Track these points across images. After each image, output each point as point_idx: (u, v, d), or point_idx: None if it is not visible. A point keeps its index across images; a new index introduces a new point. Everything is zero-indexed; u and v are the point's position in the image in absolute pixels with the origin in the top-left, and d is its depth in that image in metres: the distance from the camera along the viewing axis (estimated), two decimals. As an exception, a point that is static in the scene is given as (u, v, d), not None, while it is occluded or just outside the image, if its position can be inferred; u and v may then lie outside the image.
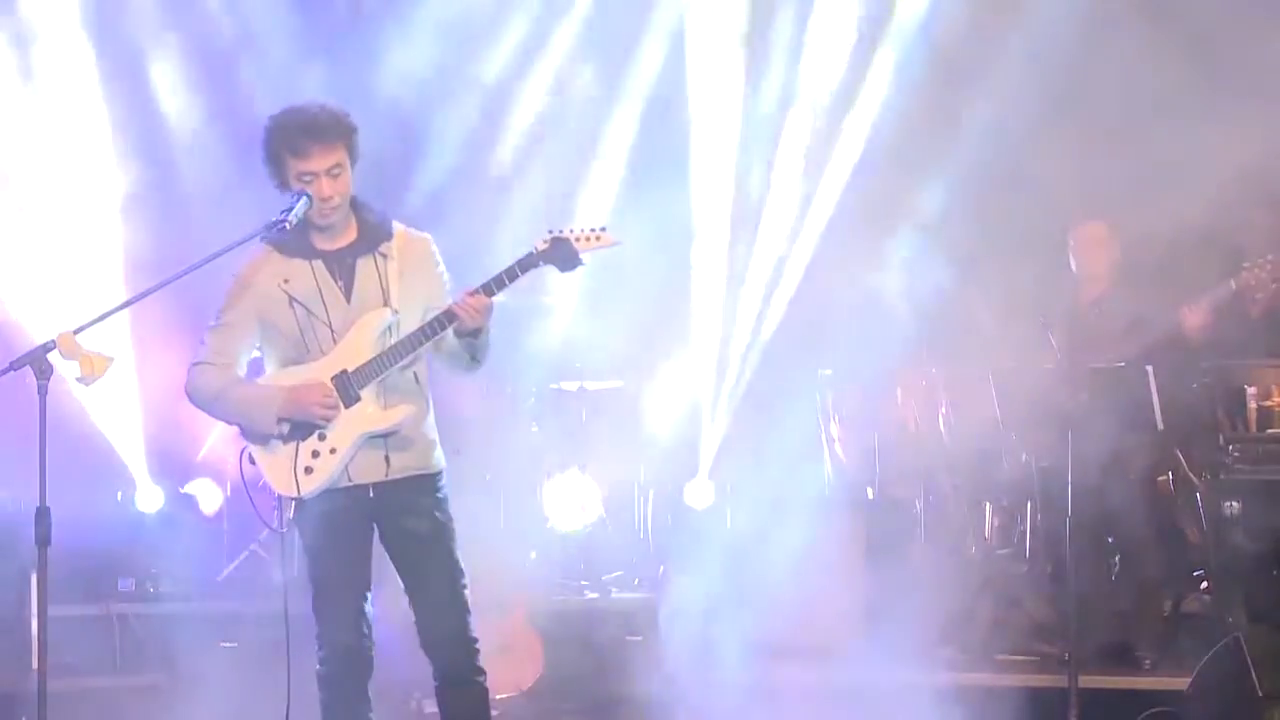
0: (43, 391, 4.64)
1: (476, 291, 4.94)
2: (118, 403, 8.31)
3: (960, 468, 8.01)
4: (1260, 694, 6.05)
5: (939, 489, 8.09)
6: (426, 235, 5.21)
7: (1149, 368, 6.75)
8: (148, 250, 8.15)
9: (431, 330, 4.99)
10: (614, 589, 8.42)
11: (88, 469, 7.94)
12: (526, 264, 4.97)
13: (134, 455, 8.49)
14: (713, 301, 8.73)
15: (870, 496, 8.14)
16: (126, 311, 5.02)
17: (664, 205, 8.48)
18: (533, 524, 8.59)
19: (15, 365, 4.69)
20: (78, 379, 4.73)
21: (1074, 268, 7.73)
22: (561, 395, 8.75)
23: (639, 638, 7.60)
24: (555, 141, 8.85)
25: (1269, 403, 7.71)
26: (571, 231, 4.97)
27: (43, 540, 4.64)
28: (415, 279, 5.09)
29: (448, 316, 4.96)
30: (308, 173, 4.96)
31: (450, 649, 5.13)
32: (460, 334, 4.98)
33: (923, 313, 8.14)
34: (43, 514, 4.64)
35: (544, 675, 7.23)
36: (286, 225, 4.91)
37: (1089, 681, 6.75)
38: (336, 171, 4.98)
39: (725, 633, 7.39)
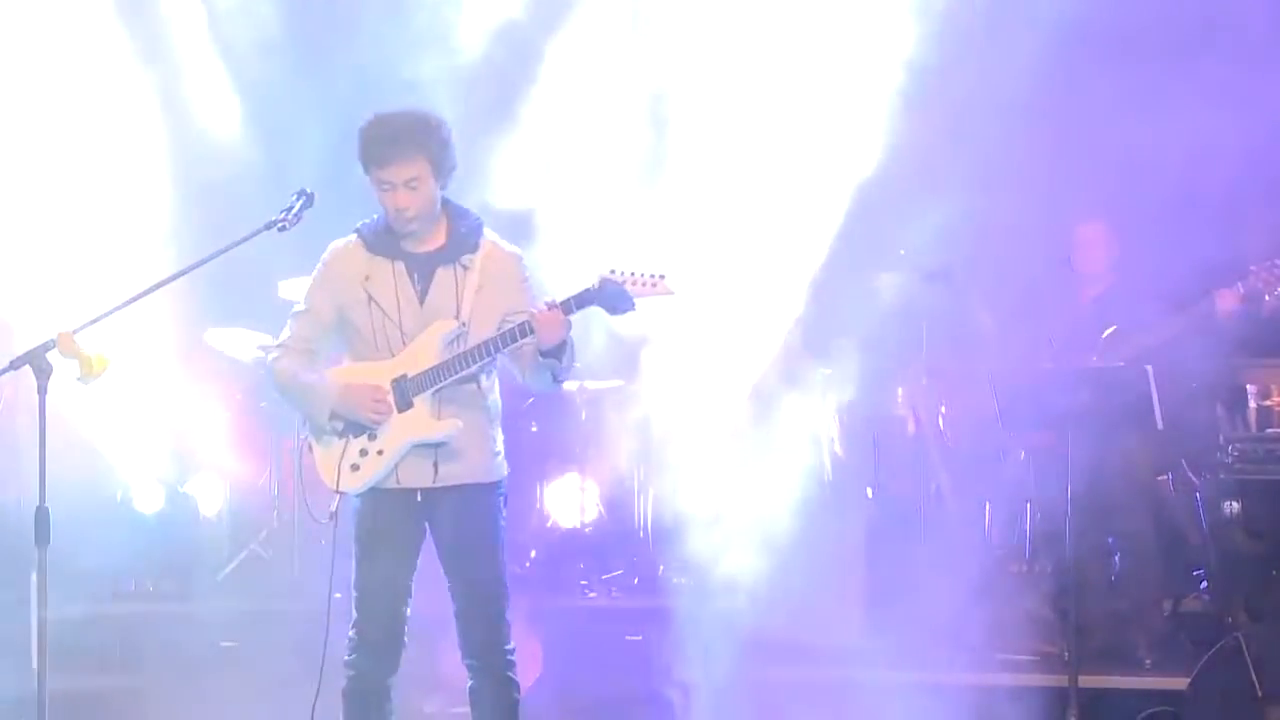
0: (42, 391, 4.65)
1: (555, 307, 4.94)
2: (117, 402, 8.30)
3: (960, 468, 8.01)
4: (1260, 694, 6.05)
5: (939, 489, 8.10)
6: (516, 251, 5.21)
7: (1149, 368, 6.75)
8: (146, 249, 8.15)
9: (504, 341, 4.98)
10: (614, 589, 8.42)
11: (88, 469, 7.94)
12: (580, 301, 4.95)
13: (134, 455, 8.49)
14: (713, 301, 8.71)
15: (870, 496, 8.15)
16: (125, 311, 5.02)
17: (665, 205, 8.47)
18: (533, 524, 8.59)
19: (15, 365, 4.70)
20: (77, 379, 4.74)
21: (1074, 266, 7.73)
22: (561, 395, 8.75)
23: (639, 638, 7.60)
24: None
25: (1269, 402, 7.72)
26: (630, 275, 4.93)
27: (43, 540, 4.64)
28: (494, 293, 5.08)
29: (527, 327, 4.95)
30: (386, 182, 4.99)
31: (484, 656, 5.17)
32: (543, 353, 4.97)
33: (923, 312, 8.16)
34: (42, 514, 4.65)
35: (543, 675, 7.23)
36: (286, 225, 4.95)
37: (1089, 681, 6.75)
38: (414, 184, 4.99)
39: (725, 633, 7.40)
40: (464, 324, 5.04)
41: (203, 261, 5.00)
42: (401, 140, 4.97)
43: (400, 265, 5.08)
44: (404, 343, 5.05)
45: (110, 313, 4.93)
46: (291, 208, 4.99)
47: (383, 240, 5.09)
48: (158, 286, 4.96)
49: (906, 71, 8.28)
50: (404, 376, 5.02)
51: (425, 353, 5.02)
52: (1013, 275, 7.87)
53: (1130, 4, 8.01)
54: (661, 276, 4.93)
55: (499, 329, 5.03)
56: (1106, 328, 7.38)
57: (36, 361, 4.66)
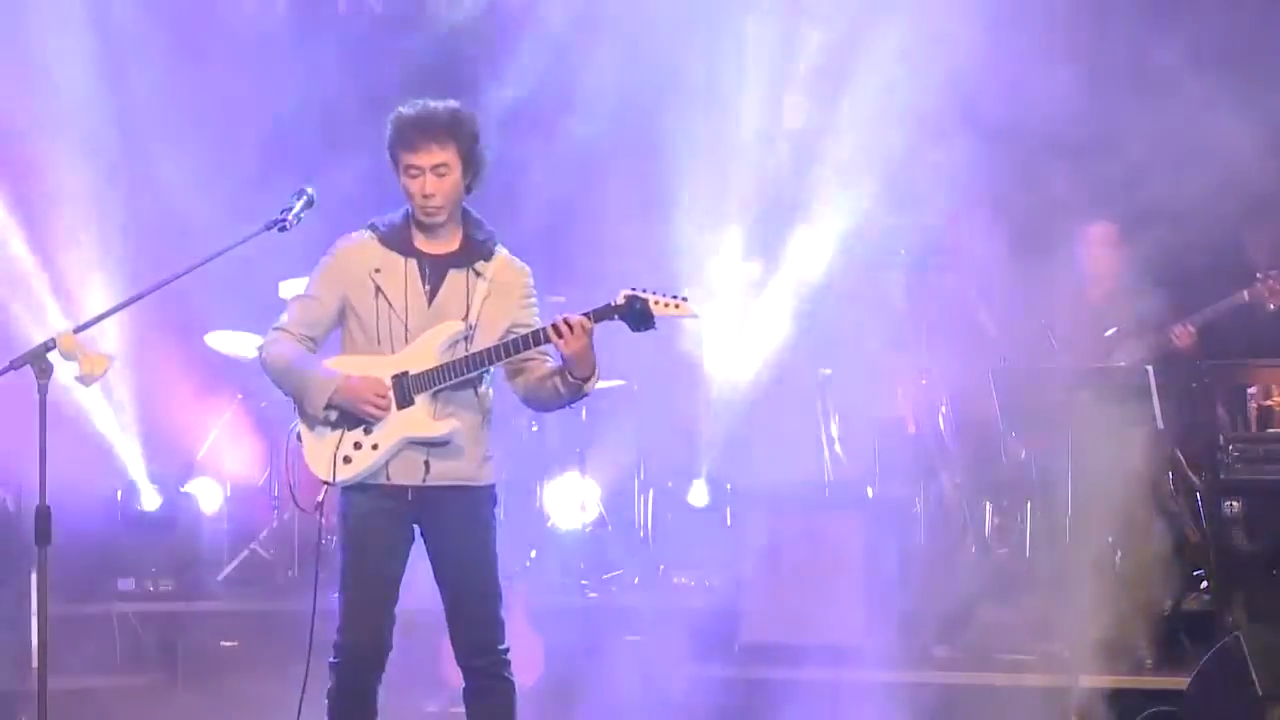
0: (43, 391, 4.64)
1: (579, 316, 4.90)
2: (117, 402, 8.31)
3: (960, 467, 8.02)
4: (1260, 694, 6.05)
5: (939, 489, 8.10)
6: (526, 267, 5.19)
7: (1149, 368, 6.76)
8: (147, 249, 8.14)
9: (518, 346, 4.96)
10: (614, 589, 8.42)
11: (88, 469, 7.94)
12: (601, 314, 4.94)
13: (133, 455, 8.49)
14: (713, 300, 8.72)
15: (870, 496, 8.15)
16: (126, 310, 5.02)
17: (667, 204, 8.48)
18: (533, 524, 8.59)
19: (15, 365, 4.69)
20: (77, 378, 4.73)
21: (1082, 267, 7.73)
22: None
23: (639, 638, 7.60)
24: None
25: (1269, 402, 7.71)
26: (654, 294, 4.92)
27: (43, 540, 4.64)
28: (501, 304, 5.07)
29: (546, 333, 4.90)
30: (414, 167, 4.98)
31: (479, 657, 5.14)
32: (573, 375, 4.95)
33: (924, 312, 8.16)
34: (43, 513, 4.64)
35: (544, 675, 7.23)
36: (286, 224, 4.94)
37: (1089, 681, 6.75)
38: (442, 171, 4.97)
39: (724, 632, 7.40)
40: (470, 327, 5.05)
41: (202, 262, 4.99)
42: (434, 127, 4.97)
43: (412, 263, 5.07)
44: (406, 339, 5.04)
45: (110, 312, 4.94)
46: (292, 207, 4.98)
47: (397, 236, 5.08)
48: (158, 286, 4.96)
49: (910, 71, 8.31)
50: (405, 374, 5.01)
51: (427, 352, 5.01)
52: (1014, 274, 7.87)
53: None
54: (685, 298, 4.95)
55: (503, 338, 5.03)
56: (1111, 328, 7.39)
57: (37, 361, 4.66)
